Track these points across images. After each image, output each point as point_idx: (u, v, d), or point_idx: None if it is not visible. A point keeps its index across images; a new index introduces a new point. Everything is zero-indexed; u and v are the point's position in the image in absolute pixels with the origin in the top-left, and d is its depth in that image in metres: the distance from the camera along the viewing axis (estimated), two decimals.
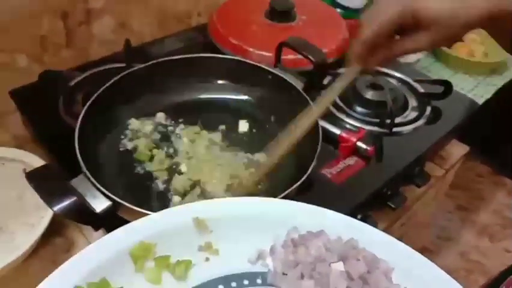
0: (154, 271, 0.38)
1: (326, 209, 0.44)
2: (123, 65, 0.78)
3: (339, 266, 0.37)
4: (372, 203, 0.69)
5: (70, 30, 0.84)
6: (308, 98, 0.66)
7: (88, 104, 0.62)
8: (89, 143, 0.59)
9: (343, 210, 0.63)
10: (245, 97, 0.76)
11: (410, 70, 0.95)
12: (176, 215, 0.41)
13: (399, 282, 0.39)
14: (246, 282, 0.40)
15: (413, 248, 0.41)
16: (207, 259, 0.41)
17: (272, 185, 0.62)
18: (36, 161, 0.67)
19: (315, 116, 0.58)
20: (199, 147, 0.68)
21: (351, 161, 0.71)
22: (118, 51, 0.86)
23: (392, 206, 0.71)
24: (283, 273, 0.39)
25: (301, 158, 0.61)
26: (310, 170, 0.57)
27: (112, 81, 0.65)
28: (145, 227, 0.40)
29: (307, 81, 0.70)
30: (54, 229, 0.64)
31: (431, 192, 0.87)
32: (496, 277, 0.63)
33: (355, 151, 0.72)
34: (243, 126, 0.71)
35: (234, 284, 0.39)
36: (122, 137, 0.69)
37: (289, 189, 0.54)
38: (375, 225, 0.69)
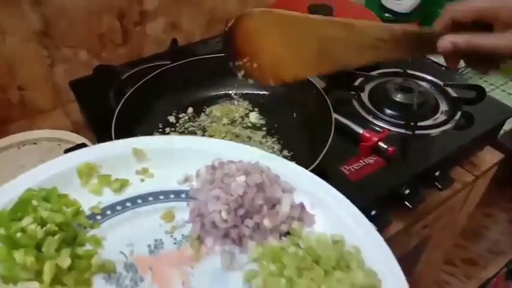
0: (97, 185, 0.47)
1: (253, 147, 0.52)
2: (169, 62, 0.85)
3: (241, 178, 0.45)
4: (387, 201, 0.71)
5: (125, 30, 0.93)
6: (326, 98, 0.69)
7: (126, 95, 0.70)
8: (125, 129, 0.66)
9: (355, 205, 0.66)
10: (268, 93, 0.80)
11: (455, 76, 0.94)
12: (122, 145, 0.50)
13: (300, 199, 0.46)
14: (172, 196, 0.48)
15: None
16: (142, 180, 0.49)
17: None
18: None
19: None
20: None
21: (371, 160, 0.73)
22: (167, 50, 0.94)
23: (409, 205, 0.71)
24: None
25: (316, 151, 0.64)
26: (318, 161, 0.60)
27: (150, 76, 0.73)
28: (93, 151, 0.49)
29: (329, 81, 0.73)
30: None
31: (459, 197, 0.86)
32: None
33: (376, 151, 0.73)
34: (253, 117, 0.76)
35: (161, 197, 0.47)
36: (157, 126, 0.75)
37: None
38: (389, 222, 0.71)
